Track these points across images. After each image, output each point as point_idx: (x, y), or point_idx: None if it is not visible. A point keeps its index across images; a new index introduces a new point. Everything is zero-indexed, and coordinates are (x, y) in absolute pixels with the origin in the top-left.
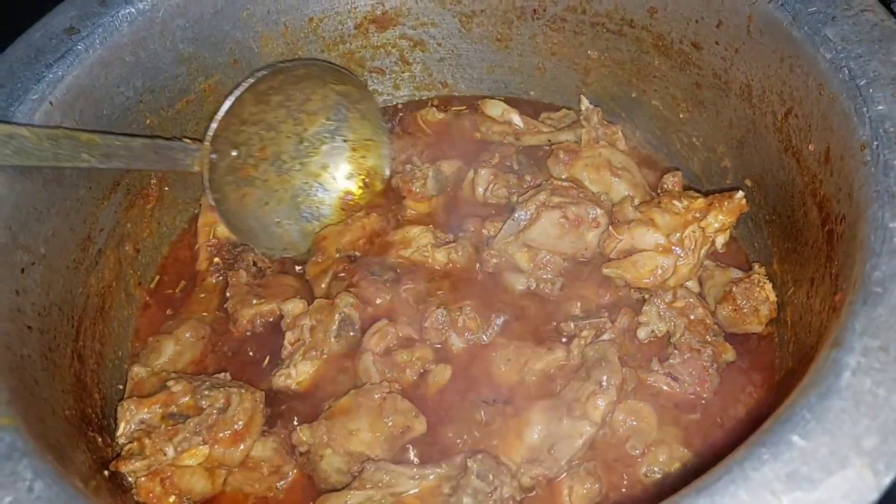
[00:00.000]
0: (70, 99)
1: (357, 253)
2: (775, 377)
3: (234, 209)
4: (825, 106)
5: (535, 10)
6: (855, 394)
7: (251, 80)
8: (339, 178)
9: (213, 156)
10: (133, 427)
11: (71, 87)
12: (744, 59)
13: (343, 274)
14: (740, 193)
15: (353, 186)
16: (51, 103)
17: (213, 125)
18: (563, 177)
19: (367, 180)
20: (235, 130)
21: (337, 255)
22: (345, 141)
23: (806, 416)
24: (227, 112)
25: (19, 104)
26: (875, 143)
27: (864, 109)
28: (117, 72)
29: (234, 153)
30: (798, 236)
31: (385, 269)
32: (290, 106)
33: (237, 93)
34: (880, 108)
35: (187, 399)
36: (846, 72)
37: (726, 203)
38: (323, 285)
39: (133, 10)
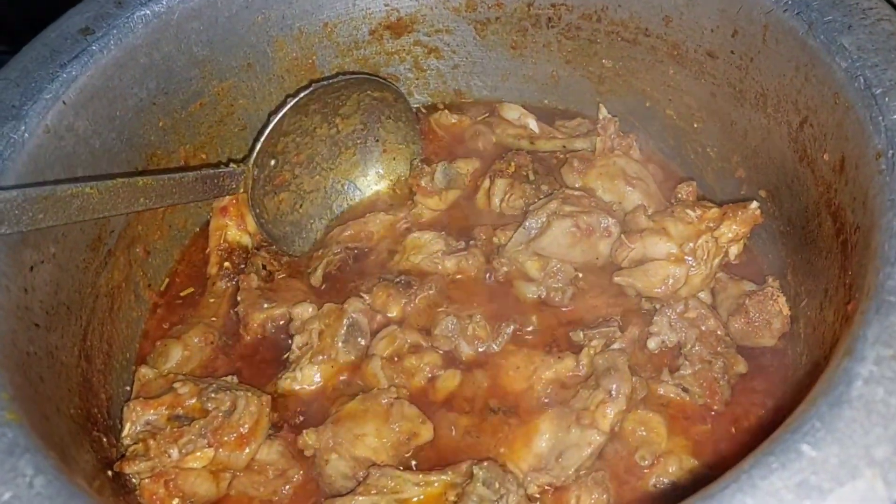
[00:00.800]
0: (83, 99)
1: (359, 246)
2: (787, 390)
3: (272, 218)
4: (840, 115)
5: (550, 18)
6: (866, 403)
7: (294, 101)
8: (371, 177)
9: (256, 171)
10: (138, 428)
11: (85, 87)
12: (759, 68)
13: (339, 265)
14: (754, 204)
15: (384, 187)
16: (64, 103)
17: (258, 145)
18: (577, 185)
19: (395, 184)
20: (274, 142)
21: (337, 247)
22: (377, 141)
23: (816, 425)
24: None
25: (33, 103)
26: (890, 151)
27: (880, 118)
28: (131, 73)
29: (272, 163)
30: (812, 247)
31: (396, 275)
32: (325, 112)
33: (281, 113)
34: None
35: (193, 401)
36: (862, 81)
37: (740, 213)
38: (317, 274)
39: (148, 11)
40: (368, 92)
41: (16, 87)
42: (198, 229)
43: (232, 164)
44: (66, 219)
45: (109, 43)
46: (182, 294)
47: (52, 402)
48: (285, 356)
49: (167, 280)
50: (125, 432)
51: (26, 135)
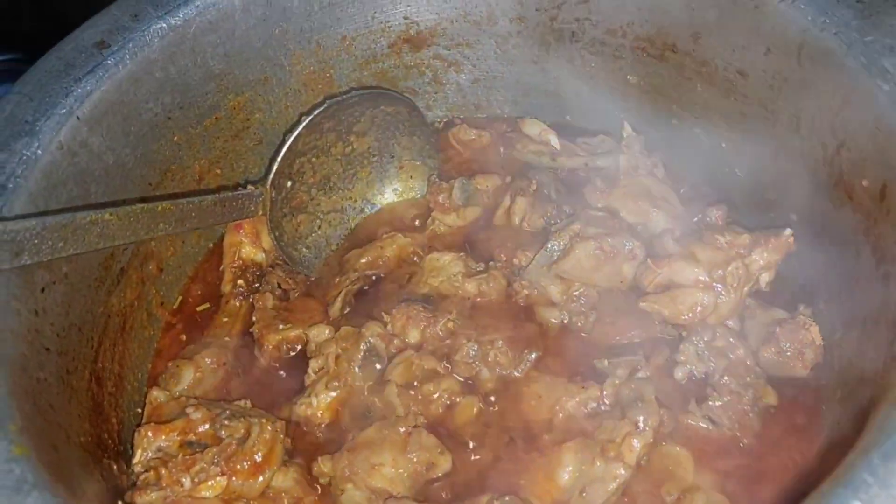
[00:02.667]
0: (98, 114)
1: (377, 273)
2: (820, 424)
3: (291, 240)
4: (882, 140)
5: (573, 32)
6: None
7: (308, 119)
8: (388, 195)
9: (273, 193)
10: (150, 455)
11: (99, 102)
12: (793, 88)
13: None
14: (788, 231)
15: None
16: (78, 118)
17: (275, 166)
18: (600, 205)
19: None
20: (290, 162)
21: (354, 275)
22: (392, 157)
23: (868, 480)
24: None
25: (46, 119)
26: None
27: None
28: (146, 87)
29: (289, 184)
30: (848, 276)
31: (416, 298)
32: (339, 130)
33: (296, 132)
34: None
35: (206, 427)
36: None
37: (773, 240)
38: (336, 305)
39: (164, 25)
40: (382, 107)
41: (29, 101)
42: (211, 245)
43: (249, 186)
44: (86, 247)
45: (125, 57)
46: (199, 309)
47: (62, 429)
48: (290, 390)
49: (180, 298)
50: (136, 459)
51: (39, 151)
